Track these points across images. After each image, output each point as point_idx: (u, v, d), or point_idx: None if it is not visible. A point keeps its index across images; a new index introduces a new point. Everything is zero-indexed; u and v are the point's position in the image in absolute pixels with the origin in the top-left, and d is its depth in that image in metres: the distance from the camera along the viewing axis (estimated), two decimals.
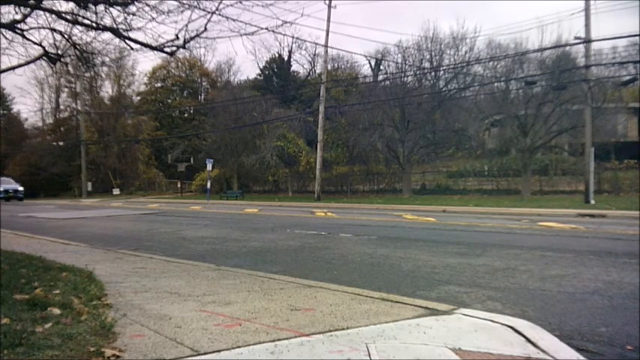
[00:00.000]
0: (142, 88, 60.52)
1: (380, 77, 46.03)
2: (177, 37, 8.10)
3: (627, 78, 33.04)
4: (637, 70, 36.39)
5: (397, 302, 4.55)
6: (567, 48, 30.57)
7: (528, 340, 3.45)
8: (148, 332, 3.55)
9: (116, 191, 47.61)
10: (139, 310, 4.23)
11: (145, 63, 51.09)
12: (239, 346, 3.23)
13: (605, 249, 8.64)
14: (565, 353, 3.23)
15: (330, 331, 3.60)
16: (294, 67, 57.37)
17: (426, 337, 3.46)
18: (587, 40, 24.68)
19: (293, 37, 42.99)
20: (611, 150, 35.86)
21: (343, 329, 3.64)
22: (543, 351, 3.25)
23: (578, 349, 3.39)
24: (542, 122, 29.72)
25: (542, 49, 30.95)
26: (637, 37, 27.12)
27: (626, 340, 3.74)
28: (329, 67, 43.59)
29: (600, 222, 15.06)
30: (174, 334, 3.51)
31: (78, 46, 8.77)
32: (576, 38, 25.73)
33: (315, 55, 54.92)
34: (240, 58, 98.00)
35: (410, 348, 3.21)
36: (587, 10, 24.38)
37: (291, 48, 55.48)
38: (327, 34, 33.97)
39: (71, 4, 7.81)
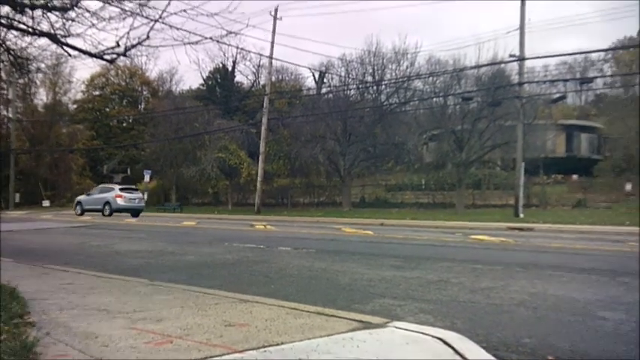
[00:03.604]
0: (79, 95, 58.50)
1: (323, 90, 46.48)
2: (118, 45, 7.92)
3: (557, 96, 34.83)
4: (566, 88, 38.37)
5: (332, 316, 4.57)
6: (502, 65, 31.92)
7: (457, 352, 3.54)
8: (72, 352, 3.41)
9: (46, 203, 45.49)
10: (64, 328, 4.06)
11: (83, 70, 49.53)
12: None
13: (532, 261, 9.03)
14: None
15: (264, 346, 3.57)
16: (238, 77, 57.07)
17: (358, 351, 3.50)
18: (521, 58, 25.85)
19: (237, 48, 42.81)
20: (540, 165, 37.59)
21: (277, 344, 3.62)
22: None
23: None
24: (477, 137, 30.78)
25: (478, 66, 32.14)
26: (567, 57, 28.69)
27: (548, 351, 3.91)
28: (273, 79, 43.63)
29: (528, 235, 15.74)
30: (100, 353, 3.39)
31: (12, 52, 8.43)
32: (511, 56, 26.91)
33: (259, 66, 54.81)
34: (183, 67, 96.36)
35: None
36: (521, 28, 25.53)
37: (236, 58, 55.13)
38: (272, 46, 34.11)
39: (6, 8, 7.50)
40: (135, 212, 29.67)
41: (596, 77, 47.41)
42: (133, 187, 33.47)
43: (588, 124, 51.40)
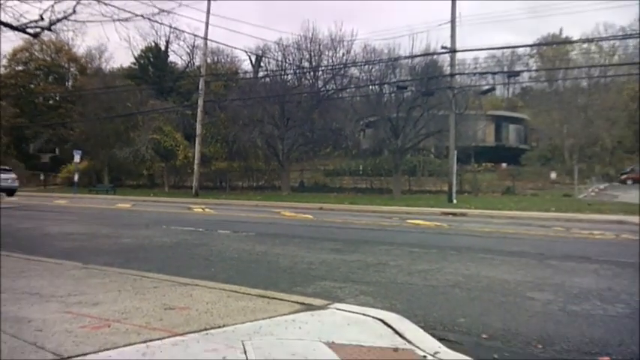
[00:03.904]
0: (1, 70, 55.07)
1: (260, 74, 45.95)
2: (42, 18, 7.53)
3: (486, 87, 36.12)
4: (494, 80, 39.84)
5: (274, 298, 4.58)
6: (435, 56, 32.67)
7: (396, 332, 3.64)
8: (3, 337, 3.25)
9: None
10: None
11: (4, 44, 46.30)
12: (107, 349, 3.07)
13: (465, 245, 9.37)
14: (428, 343, 3.46)
15: (205, 329, 3.53)
16: (172, 57, 55.57)
17: (301, 332, 3.53)
18: (453, 50, 26.53)
19: (171, 27, 41.53)
20: (471, 153, 38.99)
21: (219, 327, 3.60)
22: (409, 341, 3.45)
23: (440, 339, 3.64)
24: (411, 125, 31.45)
25: (412, 56, 32.75)
26: (496, 51, 29.72)
27: (482, 329, 4.08)
28: (209, 61, 42.70)
29: (461, 220, 16.31)
30: (34, 337, 3.25)
31: None
32: (443, 48, 27.56)
33: (194, 47, 53.51)
34: (113, 44, 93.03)
35: (285, 343, 3.26)
36: (453, 22, 26.17)
37: (169, 38, 53.59)
38: (207, 27, 33.42)
39: None
40: (9, 191, 31.22)
41: (522, 71, 49.54)
42: (7, 167, 34.17)
43: (516, 116, 53.75)
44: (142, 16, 9.89)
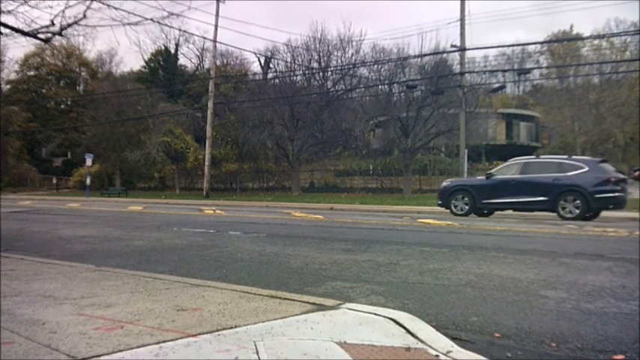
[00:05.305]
0: (13, 76, 55.64)
1: (270, 75, 46.06)
2: (53, 24, 7.61)
3: (497, 85, 35.93)
4: (505, 78, 39.59)
5: (286, 299, 4.59)
6: (444, 55, 32.52)
7: (408, 332, 3.63)
8: (18, 339, 3.29)
9: None
10: (8, 315, 3.90)
11: (16, 49, 47.13)
12: (121, 350, 3.09)
13: (477, 244, 9.32)
14: (440, 342, 3.45)
15: (217, 330, 3.55)
16: (182, 60, 55.92)
17: (313, 333, 3.53)
18: (462, 49, 26.45)
19: (180, 30, 41.77)
20: (482, 152, 38.79)
21: (231, 328, 3.61)
22: (422, 341, 3.45)
23: (453, 338, 3.62)
24: (421, 124, 31.33)
25: (422, 55, 32.63)
26: (506, 48, 29.49)
27: (494, 329, 4.05)
28: (218, 63, 42.87)
29: (472, 218, 16.22)
30: (48, 340, 3.28)
31: None
32: (452, 46, 27.49)
33: (203, 49, 53.85)
34: (123, 48, 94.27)
35: (297, 344, 3.26)
36: (462, 20, 26.09)
37: (178, 41, 53.96)
38: (216, 29, 33.60)
39: None
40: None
41: (533, 68, 49.04)
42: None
43: (527, 113, 53.42)
44: (151, 19, 9.99)
